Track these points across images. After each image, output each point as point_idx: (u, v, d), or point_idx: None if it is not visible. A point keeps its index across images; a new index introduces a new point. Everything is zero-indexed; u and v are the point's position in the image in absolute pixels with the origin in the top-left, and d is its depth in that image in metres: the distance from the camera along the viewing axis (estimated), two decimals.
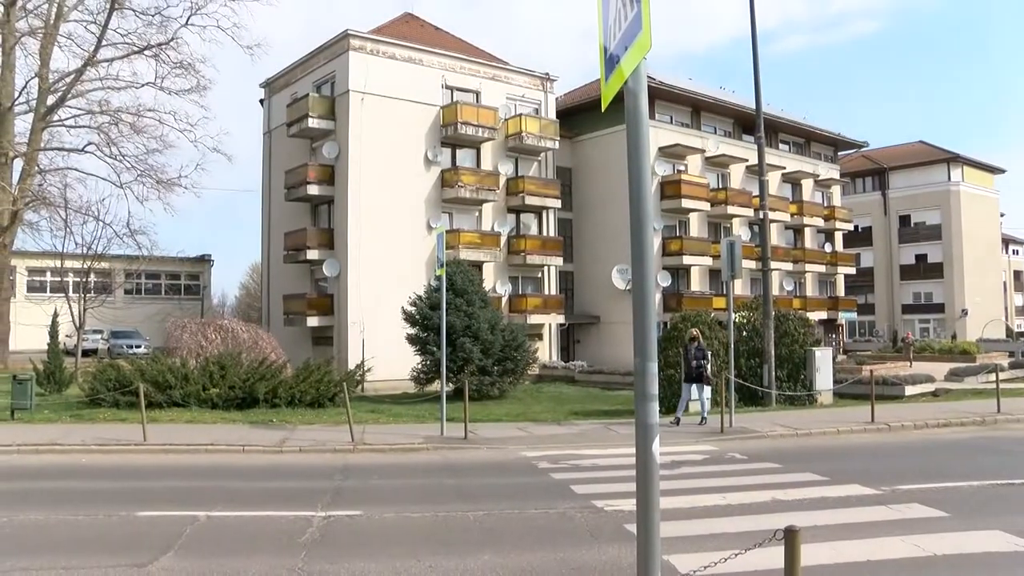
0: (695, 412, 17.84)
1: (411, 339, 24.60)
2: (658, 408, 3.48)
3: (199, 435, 15.00)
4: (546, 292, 37.22)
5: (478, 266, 33.19)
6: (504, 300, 35.07)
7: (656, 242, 39.00)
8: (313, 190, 32.54)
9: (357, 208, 31.67)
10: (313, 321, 32.39)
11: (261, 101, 39.60)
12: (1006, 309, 69.67)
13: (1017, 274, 79.85)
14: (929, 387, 24.69)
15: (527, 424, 17.93)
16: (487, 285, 30.83)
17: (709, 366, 17.58)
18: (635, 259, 3.51)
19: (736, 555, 4.65)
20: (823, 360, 21.74)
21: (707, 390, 17.43)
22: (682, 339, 20.91)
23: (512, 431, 16.62)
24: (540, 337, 36.26)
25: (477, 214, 35.43)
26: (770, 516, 8.49)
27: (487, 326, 24.42)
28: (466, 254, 32.64)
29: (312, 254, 32.49)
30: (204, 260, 49.40)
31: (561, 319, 37.23)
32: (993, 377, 19.24)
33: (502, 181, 35.68)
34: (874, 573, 6.60)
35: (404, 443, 14.73)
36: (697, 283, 41.04)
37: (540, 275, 37.43)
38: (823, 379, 21.56)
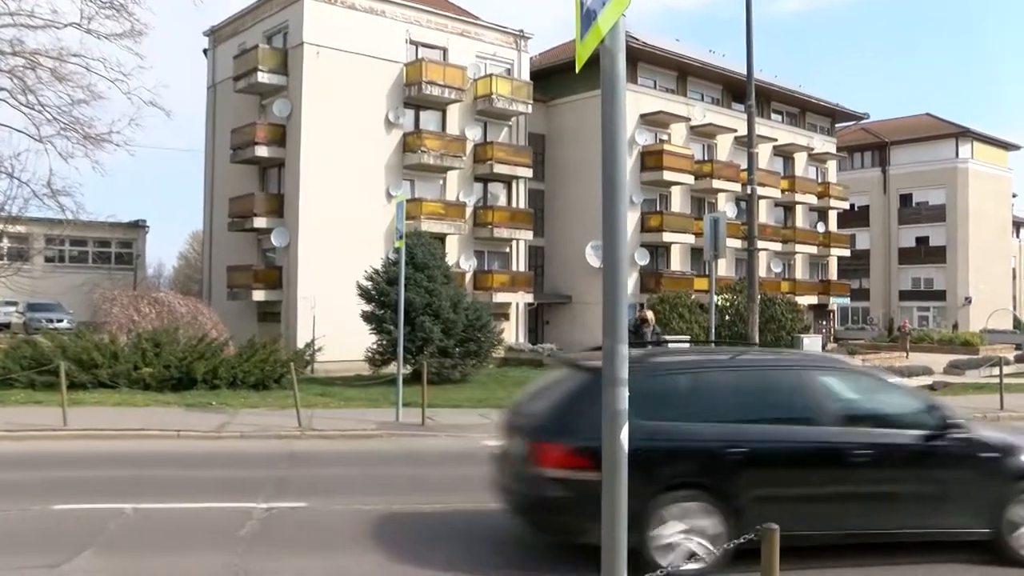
0: None
1: (366, 316, 24.54)
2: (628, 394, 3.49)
3: (128, 419, 14.85)
4: (514, 268, 37.23)
5: (441, 239, 33.09)
6: (468, 276, 35.04)
7: (634, 217, 39.14)
8: (262, 152, 32.17)
9: (310, 173, 31.38)
10: (259, 295, 32.15)
11: (205, 51, 38.99)
12: (1014, 298, 70.69)
13: None
14: (926, 380, 25.12)
15: (490, 410, 17.84)
16: (450, 259, 30.75)
17: None
18: (607, 232, 3.50)
19: (716, 550, 4.69)
20: (811, 348, 22.04)
21: None
22: (664, 322, 21.07)
23: (474, 418, 16.66)
24: (506, 317, 36.31)
25: (441, 182, 35.27)
26: None
27: (449, 304, 24.41)
28: (428, 225, 32.51)
29: (260, 222, 32.17)
30: (138, 226, 48.76)
31: (530, 298, 37.29)
32: (997, 371, 19.55)
33: (469, 147, 35.54)
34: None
35: (356, 429, 14.70)
36: (678, 262, 41.28)
37: (508, 250, 37.42)
38: None
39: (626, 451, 3.48)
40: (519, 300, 36.93)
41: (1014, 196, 69.28)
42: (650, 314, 17.23)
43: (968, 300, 60.10)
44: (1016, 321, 63.25)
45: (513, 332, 36.79)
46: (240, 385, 19.84)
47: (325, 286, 29.86)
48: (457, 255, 34.80)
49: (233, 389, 19.56)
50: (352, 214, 31.65)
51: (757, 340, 21.14)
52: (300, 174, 31.36)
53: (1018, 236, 76.50)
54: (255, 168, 34.26)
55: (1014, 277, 70.83)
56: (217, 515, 8.56)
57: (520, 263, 37.73)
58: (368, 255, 28.35)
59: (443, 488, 10.17)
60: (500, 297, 35.35)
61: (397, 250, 16.75)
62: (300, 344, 26.38)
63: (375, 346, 24.86)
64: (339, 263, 29.89)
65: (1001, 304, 60.70)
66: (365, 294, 24.66)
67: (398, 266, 16.61)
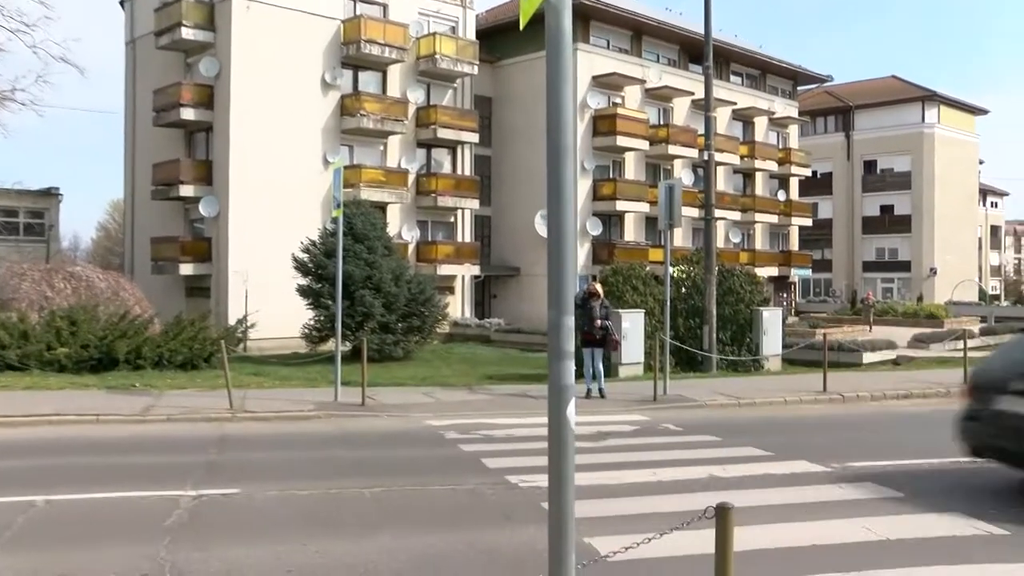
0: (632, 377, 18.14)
1: (303, 291, 24.44)
2: (574, 369, 3.50)
3: (41, 403, 14.54)
4: (459, 239, 37.22)
5: (382, 208, 32.89)
6: (411, 247, 34.97)
7: (586, 184, 39.28)
8: (188, 114, 31.55)
9: (240, 137, 30.90)
10: (187, 269, 31.68)
11: (122, 3, 38.03)
12: (980, 269, 72.43)
13: (994, 230, 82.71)
14: (890, 354, 25.70)
15: (434, 389, 18.04)
16: (392, 230, 30.60)
17: (616, 330, 17.44)
18: (552, 199, 3.50)
19: (662, 535, 4.75)
20: (771, 322, 22.36)
21: (598, 367, 16.66)
22: (617, 294, 21.21)
23: (417, 397, 16.70)
24: (451, 291, 36.32)
25: (382, 148, 35.02)
26: (706, 495, 8.70)
27: (391, 277, 24.38)
28: (368, 194, 32.29)
29: (186, 190, 31.63)
30: (50, 194, 47.59)
31: (476, 270, 37.32)
32: (961, 344, 20.04)
33: (411, 110, 35.29)
34: (819, 559, 6.83)
35: (292, 410, 14.62)
36: (632, 232, 41.57)
37: (453, 220, 37.36)
38: (771, 343, 22.20)
39: (573, 427, 3.49)
40: (465, 272, 36.94)
41: (981, 163, 70.69)
42: (599, 287, 17.30)
43: (933, 271, 61.36)
44: (982, 293, 64.84)
45: (459, 306, 36.82)
46: (166, 365, 19.61)
47: (258, 259, 29.56)
48: (399, 225, 34.66)
49: (159, 369, 19.32)
50: (286, 182, 31.30)
51: (714, 313, 21.39)
52: (230, 139, 30.87)
53: (985, 204, 78.20)
54: (181, 132, 33.62)
55: (980, 247, 72.48)
56: (140, 505, 8.44)
57: (466, 233, 37.70)
58: (304, 226, 28.13)
59: (385, 470, 10.15)
60: (445, 269, 35.34)
61: (335, 220, 16.59)
62: (232, 321, 26.20)
63: (312, 322, 24.76)
64: (273, 234, 29.60)
65: (967, 275, 62.15)
66: (301, 267, 24.51)
67: (336, 237, 16.46)
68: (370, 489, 9.10)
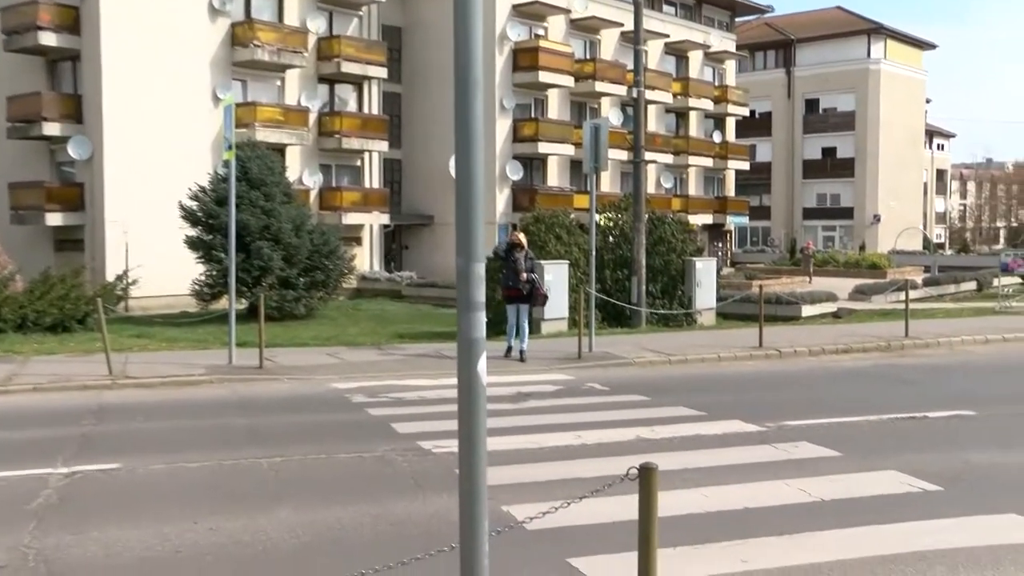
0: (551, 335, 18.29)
1: (192, 243, 24.13)
2: (485, 320, 3.53)
3: None
4: (367, 185, 36.93)
5: (280, 150, 32.37)
6: (313, 194, 34.58)
7: (505, 125, 39.22)
8: (48, 39, 30.34)
9: (115, 69, 29.97)
10: (55, 219, 30.76)
11: None
12: (925, 216, 74.44)
13: (940, 174, 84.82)
14: (830, 307, 26.37)
15: (340, 349, 18.03)
16: (291, 175, 30.18)
17: (542, 283, 17.23)
18: (460, 135, 3.51)
19: (582, 498, 4.85)
20: (705, 273, 22.73)
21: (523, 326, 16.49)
22: (539, 244, 21.31)
23: (321, 358, 16.69)
24: (359, 241, 36.11)
25: (279, 83, 34.39)
26: (634, 458, 8.81)
27: (291, 227, 24.19)
28: (264, 134, 31.75)
29: (51, 128, 30.57)
30: None
31: (386, 219, 37.13)
32: (903, 296, 20.68)
33: (312, 41, 34.67)
34: (751, 523, 7.04)
35: (181, 375, 14.48)
36: (555, 176, 41.72)
37: (359, 164, 37.02)
38: (704, 296, 22.59)
39: (484, 383, 3.52)
40: (373, 221, 36.72)
41: (928, 101, 72.32)
42: (523, 237, 17.22)
43: (876, 218, 62.96)
44: (926, 241, 66.73)
45: (366, 259, 36.64)
46: (32, 328, 19.23)
47: (139, 207, 28.89)
48: (299, 169, 34.18)
49: (23, 332, 18.96)
50: (171, 120, 30.53)
51: (644, 264, 21.66)
52: (102, 70, 29.89)
53: (931, 147, 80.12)
54: (41, 60, 32.31)
55: (925, 192, 74.45)
56: (1, 488, 8.26)
57: (374, 179, 37.41)
58: (192, 170, 27.55)
59: (285, 438, 10.14)
60: (351, 218, 35.05)
61: (226, 163, 16.29)
62: (110, 277, 25.65)
63: (203, 278, 24.46)
64: (156, 179, 28.94)
65: (911, 222, 63.88)
66: (189, 216, 24.12)
67: (228, 182, 16.17)
68: (268, 459, 9.08)
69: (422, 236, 40.64)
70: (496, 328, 16.97)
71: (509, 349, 16.46)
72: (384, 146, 36.89)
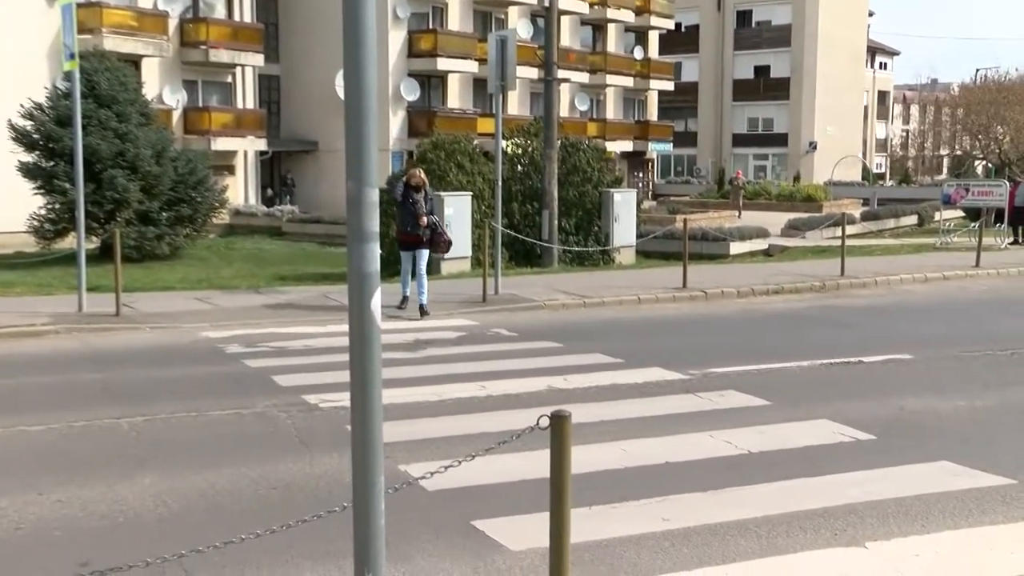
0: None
1: (28, 171, 23.67)
2: (379, 253, 3.56)
3: None
4: (240, 105, 36.37)
5: (135, 62, 31.56)
6: (177, 115, 33.96)
7: (399, 37, 38.85)
8: None
9: None
10: None
11: None
12: (865, 143, 75.95)
13: (882, 96, 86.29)
14: (761, 243, 26.96)
15: (212, 293, 17.86)
16: (149, 92, 29.46)
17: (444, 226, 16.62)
18: (348, 43, 3.51)
19: (488, 451, 4.94)
20: (624, 206, 22.99)
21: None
22: (439, 174, 21.23)
23: (190, 303, 16.51)
24: (231, 171, 35.62)
25: None
26: (544, 409, 8.91)
27: (150, 153, 23.84)
28: (115, 43, 30.96)
29: None
30: None
31: (262, 145, 36.67)
32: (840, 231, 21.23)
33: None
34: (673, 478, 7.26)
35: (19, 325, 14.14)
36: (457, 97, 41.55)
37: (231, 80, 36.38)
38: (623, 231, 22.86)
39: (379, 322, 3.56)
40: (248, 148, 36.22)
41: (871, 15, 73.40)
42: (422, 174, 16.37)
43: (813, 146, 64.12)
44: (865, 171, 68.22)
45: (241, 190, 36.18)
46: None
47: None
48: (159, 85, 33.42)
49: None
50: None
51: (556, 196, 21.81)
52: None
53: (873, 66, 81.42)
54: None
55: (866, 117, 75.89)
56: None
57: (248, 98, 36.83)
58: (25, 83, 26.76)
59: (149, 395, 10.02)
60: (222, 143, 34.48)
61: (68, 76, 15.85)
62: None
63: (44, 212, 23.99)
64: None
65: (850, 150, 65.17)
66: (23, 138, 23.59)
67: (72, 99, 15.74)
68: (129, 419, 8.98)
69: (306, 165, 40.19)
70: (390, 270, 16.84)
71: (404, 300, 15.85)
72: (259, 60, 36.26)
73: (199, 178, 25.11)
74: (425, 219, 15.54)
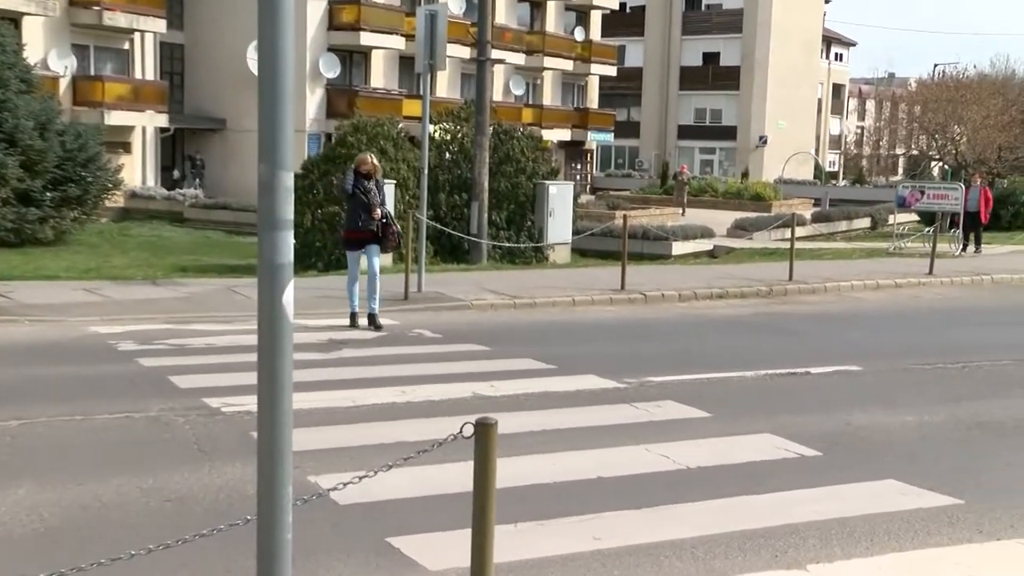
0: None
1: None
2: (293, 242, 3.55)
3: None
4: (138, 75, 35.98)
5: (13, 21, 30.94)
6: (64, 83, 33.45)
7: (319, 8, 38.67)
8: None
9: None
10: None
11: None
12: (818, 139, 76.82)
13: (837, 89, 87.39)
14: (706, 244, 27.27)
15: (102, 284, 17.64)
16: (32, 56, 28.87)
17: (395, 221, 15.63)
18: (262, 10, 3.50)
19: (407, 459, 4.96)
20: (560, 200, 23.10)
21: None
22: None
23: (77, 294, 16.27)
24: (127, 148, 35.23)
25: None
26: (469, 417, 8.93)
27: (32, 124, 23.53)
28: None
29: None
30: None
31: (164, 120, 36.32)
32: (789, 233, 21.53)
33: None
34: (606, 494, 7.32)
35: None
36: (381, 76, 41.44)
37: (128, 47, 35.98)
38: (558, 227, 22.97)
39: (291, 316, 3.56)
40: (147, 123, 35.84)
41: (827, 2, 74.33)
42: (374, 160, 15.38)
43: (763, 140, 64.80)
44: (818, 169, 69.03)
45: (138, 170, 35.79)
46: None
47: None
48: (44, 49, 32.81)
49: None
50: None
51: (486, 187, 21.84)
52: None
53: (828, 56, 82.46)
54: None
55: (819, 110, 76.85)
56: None
57: (147, 68, 36.41)
58: None
59: (27, 397, 9.84)
60: (117, 117, 34.02)
61: None
62: None
63: None
64: None
65: (802, 147, 65.99)
66: None
67: None
68: (2, 423, 8.85)
69: (212, 144, 39.80)
70: (304, 263, 16.69)
71: (353, 317, 14.66)
72: (162, 25, 35.87)
73: (90, 155, 24.79)
74: (379, 211, 14.62)
